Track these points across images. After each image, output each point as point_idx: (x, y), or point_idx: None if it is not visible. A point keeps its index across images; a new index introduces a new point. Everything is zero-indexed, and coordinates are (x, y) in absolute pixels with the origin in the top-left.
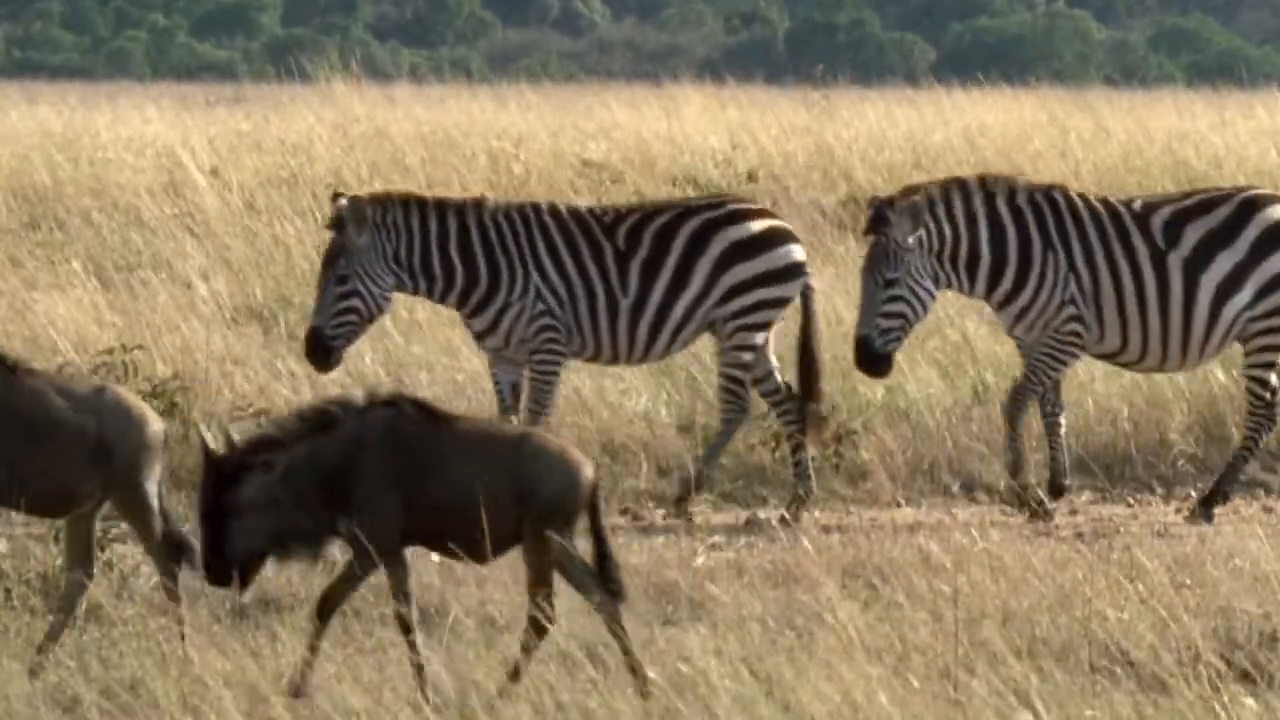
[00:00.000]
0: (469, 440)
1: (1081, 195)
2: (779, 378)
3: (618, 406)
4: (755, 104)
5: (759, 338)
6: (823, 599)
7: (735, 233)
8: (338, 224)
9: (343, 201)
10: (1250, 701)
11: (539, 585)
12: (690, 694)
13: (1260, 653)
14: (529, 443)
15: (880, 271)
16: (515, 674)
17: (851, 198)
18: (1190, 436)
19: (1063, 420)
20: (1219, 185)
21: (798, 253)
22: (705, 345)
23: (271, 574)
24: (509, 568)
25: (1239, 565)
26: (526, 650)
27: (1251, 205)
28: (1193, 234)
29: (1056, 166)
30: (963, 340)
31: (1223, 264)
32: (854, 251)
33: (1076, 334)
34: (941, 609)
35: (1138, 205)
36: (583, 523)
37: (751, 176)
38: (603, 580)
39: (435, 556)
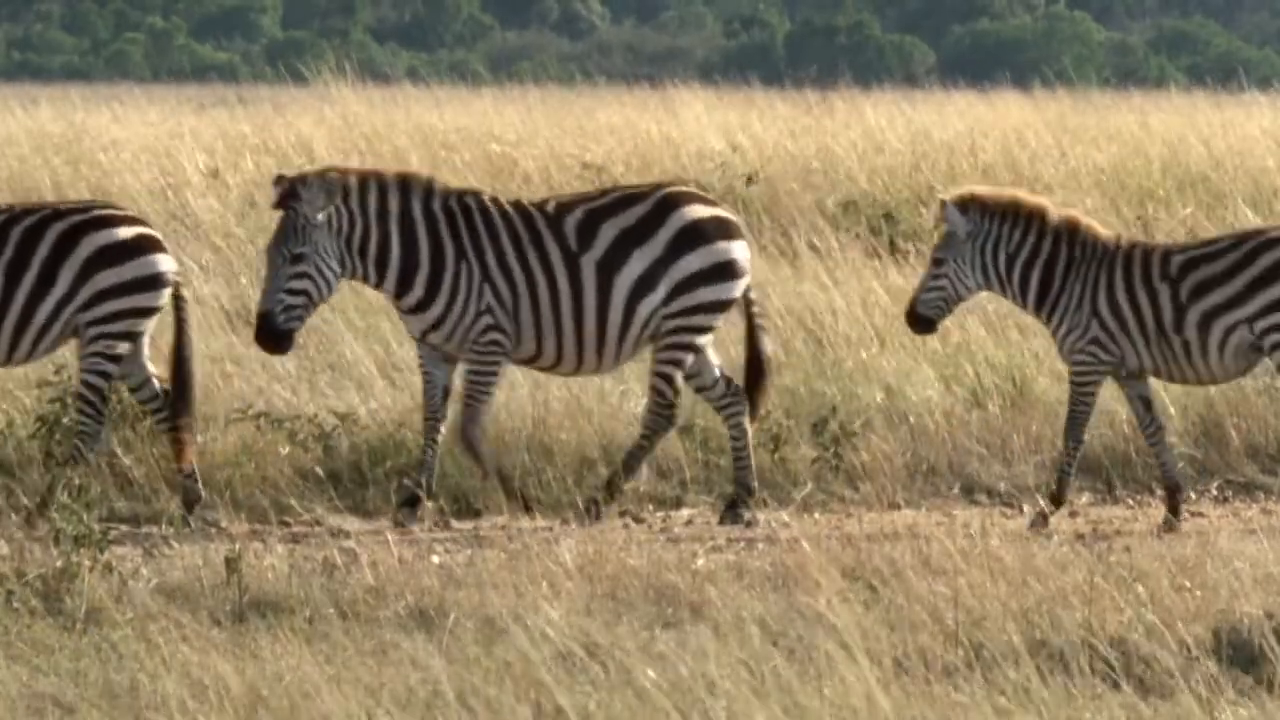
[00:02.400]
0: None
1: (495, 199)
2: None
3: (616, 408)
4: (754, 106)
5: (122, 347)
6: (823, 601)
7: (100, 239)
8: (286, 202)
9: (309, 180)
10: (1250, 704)
11: None
12: (690, 696)
13: (1260, 655)
14: None
15: (288, 246)
16: None
17: (851, 201)
18: (1189, 439)
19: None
20: (652, 182)
21: (164, 263)
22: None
23: (271, 576)
24: (508, 569)
25: (1239, 567)
26: None
27: (668, 203)
28: (607, 233)
29: (1056, 169)
30: (962, 342)
31: (637, 263)
32: (853, 252)
33: (496, 343)
34: (941, 611)
35: (551, 207)
36: None
37: (751, 179)
38: None
39: (435, 558)
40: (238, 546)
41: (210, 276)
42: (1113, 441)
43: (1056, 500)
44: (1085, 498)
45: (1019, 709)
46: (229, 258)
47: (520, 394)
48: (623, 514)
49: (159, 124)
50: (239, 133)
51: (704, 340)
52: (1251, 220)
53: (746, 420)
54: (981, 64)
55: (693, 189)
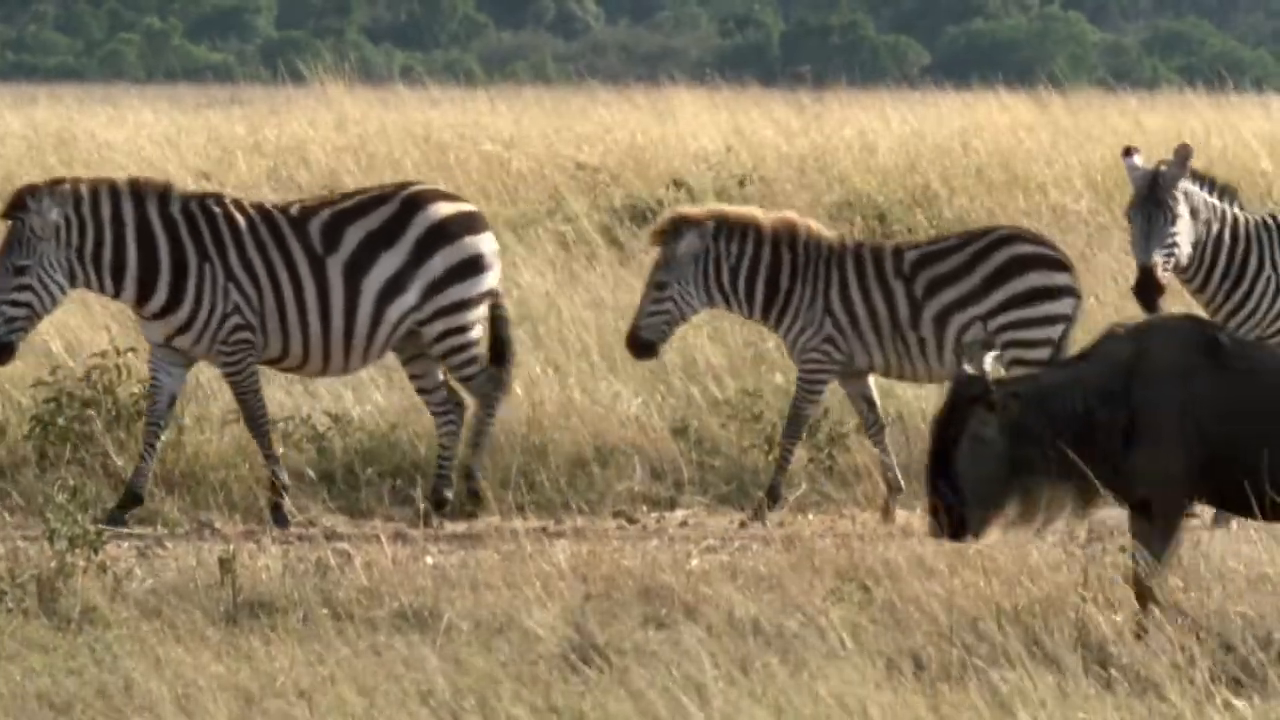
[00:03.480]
0: None
1: (237, 202)
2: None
3: (609, 409)
4: (749, 106)
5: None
6: (816, 602)
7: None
8: (13, 213)
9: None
10: (1244, 706)
11: None
12: (684, 697)
13: (1254, 657)
14: None
15: (11, 258)
16: None
17: (846, 201)
18: None
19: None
20: (396, 183)
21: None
22: (700, 347)
23: (265, 576)
24: (502, 570)
25: (1233, 569)
26: None
27: (413, 204)
28: (353, 236)
29: (1050, 169)
30: None
31: (385, 266)
32: None
33: (246, 342)
34: (935, 612)
35: (295, 210)
36: None
37: (745, 179)
38: None
39: (429, 559)
40: (231, 547)
41: None
42: None
43: (772, 496)
44: None
45: (1013, 710)
46: None
47: (514, 395)
48: (617, 515)
49: (154, 124)
50: (234, 133)
51: (476, 334)
52: None
53: (458, 433)
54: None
55: (437, 187)
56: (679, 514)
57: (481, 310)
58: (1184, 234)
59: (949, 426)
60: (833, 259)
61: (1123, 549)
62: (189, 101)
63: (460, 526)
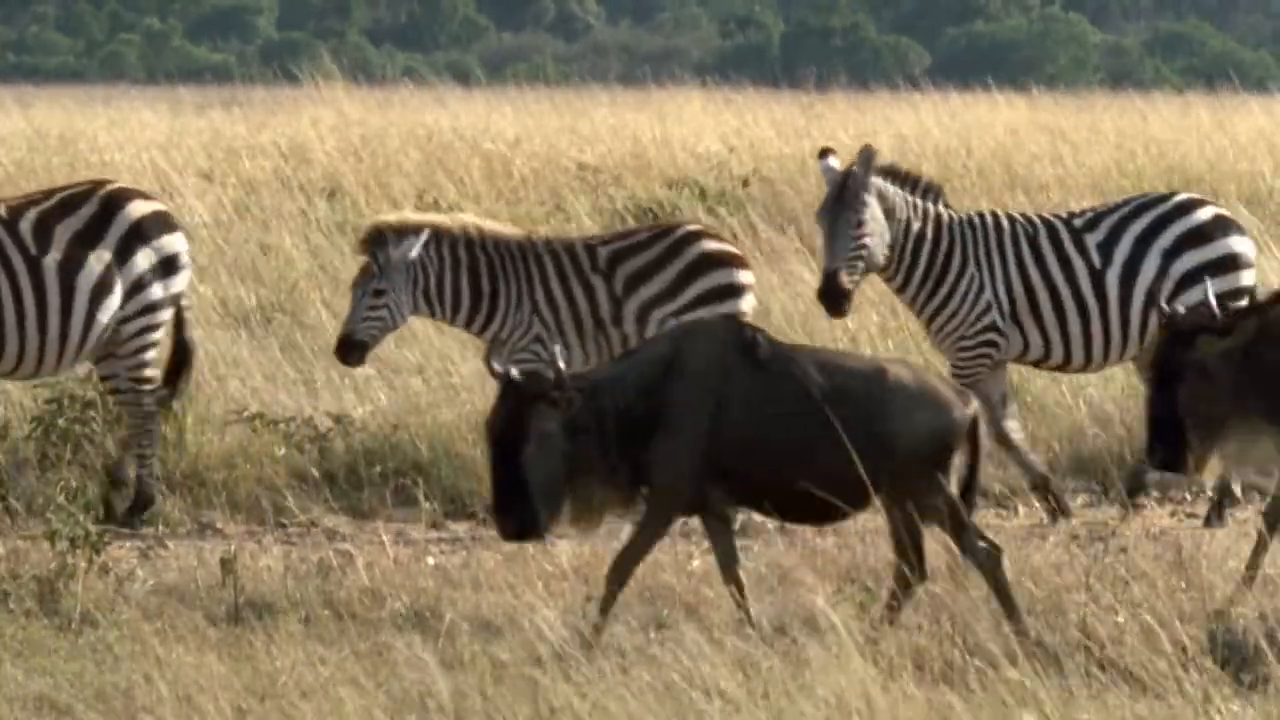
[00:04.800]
0: None
1: None
2: None
3: None
4: (750, 107)
5: None
6: (818, 603)
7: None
8: None
9: None
10: (1245, 706)
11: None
12: (685, 698)
13: (1255, 657)
14: None
15: None
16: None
17: None
18: None
19: None
20: (89, 181)
21: None
22: None
23: (267, 577)
24: (503, 570)
25: (1234, 569)
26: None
27: (112, 202)
28: (62, 235)
29: (1051, 171)
30: None
31: (93, 266)
32: None
33: None
34: (937, 612)
35: (2, 210)
36: None
37: (746, 180)
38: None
39: (430, 560)
40: (233, 547)
41: (205, 277)
42: (1107, 443)
43: None
44: (1081, 499)
45: (1015, 710)
46: (224, 259)
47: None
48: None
49: (154, 125)
50: (234, 134)
51: (160, 335)
52: (1246, 223)
53: (157, 426)
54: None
55: (132, 186)
56: None
57: (170, 312)
58: (876, 236)
59: (512, 425)
60: (529, 258)
61: (1124, 549)
62: (189, 102)
63: (462, 527)
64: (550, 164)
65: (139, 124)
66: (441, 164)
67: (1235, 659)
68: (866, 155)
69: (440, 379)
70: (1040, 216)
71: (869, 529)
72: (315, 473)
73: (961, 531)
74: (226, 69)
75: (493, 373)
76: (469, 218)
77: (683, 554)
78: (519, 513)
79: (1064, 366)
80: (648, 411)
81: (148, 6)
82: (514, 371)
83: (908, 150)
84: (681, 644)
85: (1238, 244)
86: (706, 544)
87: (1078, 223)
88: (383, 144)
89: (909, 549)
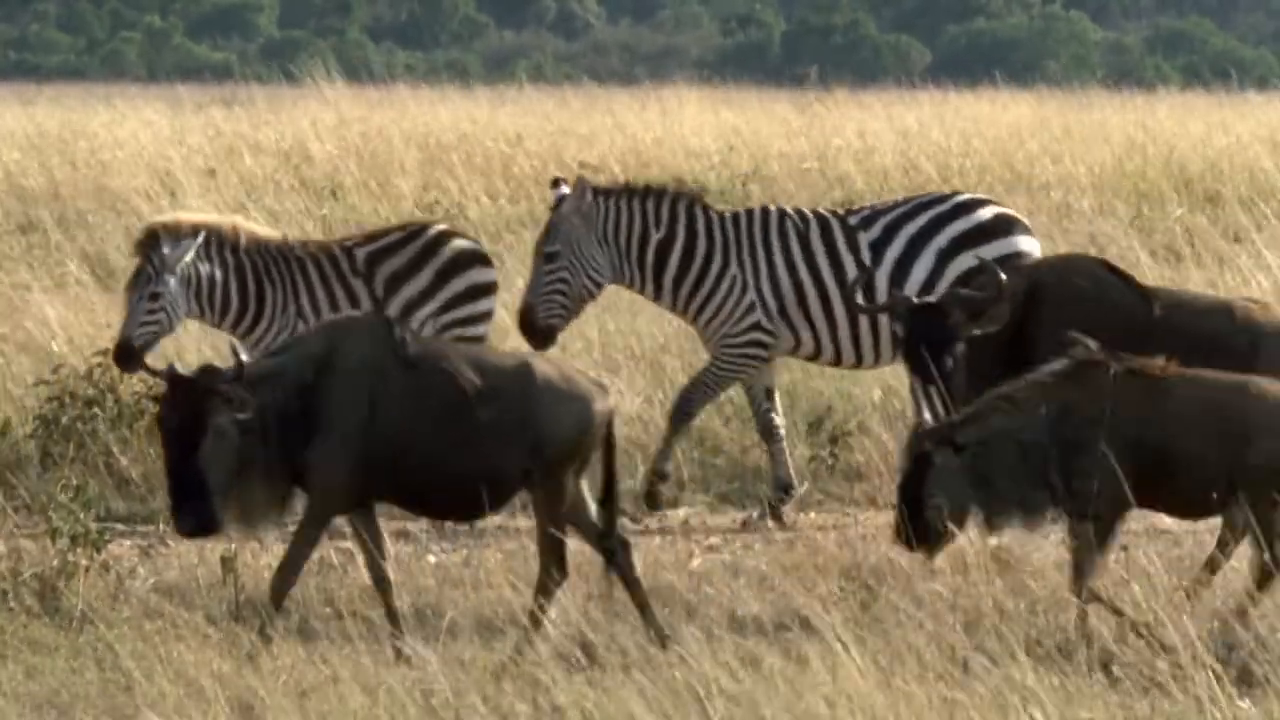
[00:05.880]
0: None
1: None
2: None
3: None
4: (751, 106)
5: None
6: (819, 601)
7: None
8: None
9: None
10: (1246, 704)
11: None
12: (686, 696)
13: (1257, 655)
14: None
15: None
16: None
17: (846, 201)
18: None
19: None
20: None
21: None
22: (695, 345)
23: (267, 575)
24: (505, 568)
25: (1235, 568)
26: None
27: None
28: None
29: (1052, 169)
30: None
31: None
32: None
33: None
34: (938, 611)
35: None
36: None
37: (747, 179)
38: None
39: (431, 558)
40: (234, 546)
41: None
42: None
43: None
44: None
45: (1016, 711)
46: None
47: None
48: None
49: (155, 123)
50: (235, 132)
51: None
52: (1246, 221)
53: None
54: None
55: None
56: (681, 513)
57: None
58: (577, 265)
59: (187, 421)
60: (291, 261)
61: (1124, 548)
62: (190, 101)
63: (463, 526)
64: (551, 162)
65: (140, 122)
66: (441, 164)
67: (1235, 659)
68: (581, 187)
69: None
70: (815, 212)
71: (870, 529)
72: None
73: (559, 524)
74: (227, 67)
75: (153, 372)
76: (237, 219)
77: (683, 554)
78: (196, 509)
79: (836, 364)
80: (304, 411)
81: (149, 5)
82: (177, 367)
83: (909, 148)
84: (682, 643)
85: (1022, 243)
86: (708, 543)
87: (853, 220)
88: (383, 144)
89: (552, 546)
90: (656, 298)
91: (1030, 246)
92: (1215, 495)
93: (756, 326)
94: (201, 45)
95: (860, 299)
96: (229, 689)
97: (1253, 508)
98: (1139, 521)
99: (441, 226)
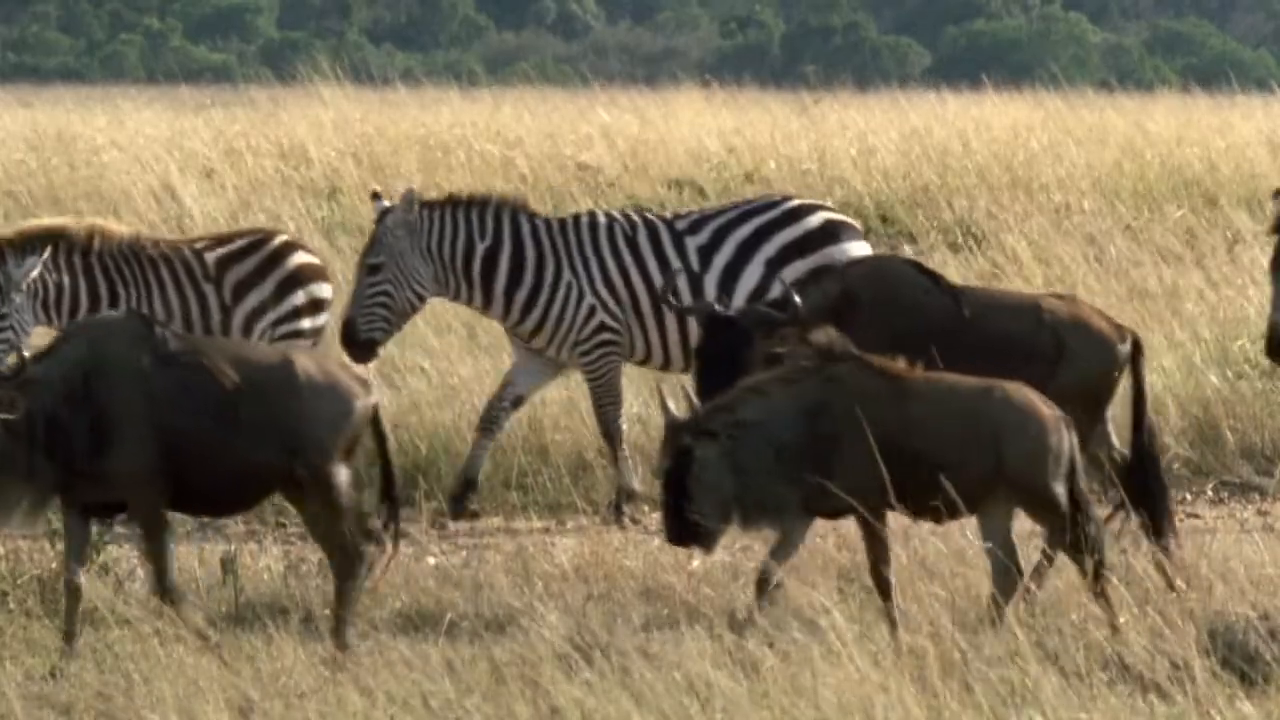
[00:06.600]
0: None
1: None
2: None
3: None
4: (750, 107)
5: None
6: (819, 602)
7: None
8: None
9: None
10: (1245, 706)
11: None
12: (686, 697)
13: (1255, 657)
14: None
15: None
16: None
17: (847, 202)
18: (1185, 440)
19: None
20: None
21: None
22: None
23: (267, 577)
24: (504, 569)
25: (1234, 569)
26: None
27: None
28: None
29: (1051, 170)
30: None
31: None
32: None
33: None
34: (938, 612)
35: None
36: None
37: (747, 180)
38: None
39: (431, 560)
40: (234, 548)
41: None
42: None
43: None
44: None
45: (1015, 712)
46: None
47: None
48: (619, 515)
49: (155, 125)
50: (235, 134)
51: None
52: (1246, 223)
53: None
54: (977, 65)
55: None
56: None
57: None
58: (402, 278)
59: None
60: (143, 262)
61: (1124, 550)
62: (190, 102)
63: (464, 526)
64: (550, 164)
65: (139, 124)
66: (441, 164)
67: (1235, 659)
68: (408, 198)
69: (440, 379)
70: (643, 216)
71: None
72: None
73: (343, 519)
74: (227, 69)
75: None
76: (93, 220)
77: (683, 554)
78: None
79: (665, 369)
80: (80, 418)
81: (148, 6)
82: None
83: (909, 150)
84: (682, 644)
85: (852, 249)
86: None
87: (680, 225)
88: (383, 144)
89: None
90: (486, 308)
91: (861, 251)
92: (965, 499)
93: (603, 327)
94: (201, 47)
95: (672, 300)
96: (229, 690)
97: (1004, 511)
98: (1135, 525)
99: (285, 237)
